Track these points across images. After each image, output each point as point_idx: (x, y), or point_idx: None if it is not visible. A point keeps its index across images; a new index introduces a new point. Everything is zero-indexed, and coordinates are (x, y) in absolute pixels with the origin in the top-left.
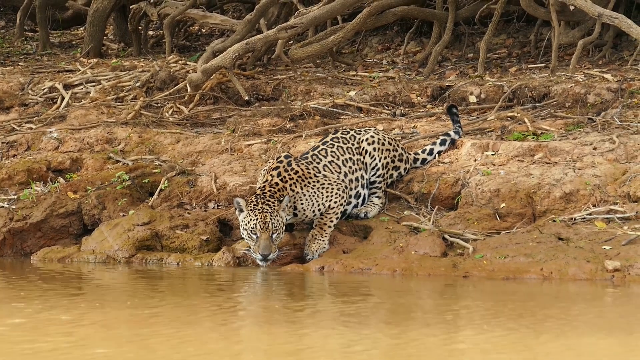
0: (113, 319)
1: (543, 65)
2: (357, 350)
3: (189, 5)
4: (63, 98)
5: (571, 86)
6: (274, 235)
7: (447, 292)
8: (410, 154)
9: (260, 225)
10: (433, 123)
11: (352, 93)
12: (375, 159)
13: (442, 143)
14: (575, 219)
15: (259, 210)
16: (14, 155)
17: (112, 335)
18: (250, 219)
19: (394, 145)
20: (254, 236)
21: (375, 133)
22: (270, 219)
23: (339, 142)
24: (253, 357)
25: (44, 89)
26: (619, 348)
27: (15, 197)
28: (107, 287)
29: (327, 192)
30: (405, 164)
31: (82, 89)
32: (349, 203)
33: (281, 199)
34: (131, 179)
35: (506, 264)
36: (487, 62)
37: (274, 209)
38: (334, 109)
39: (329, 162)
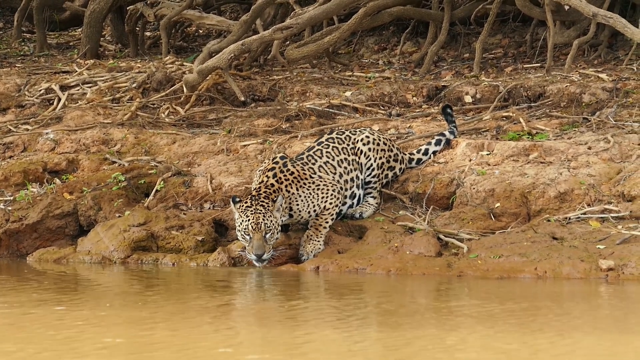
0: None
1: (539, 65)
2: (352, 350)
3: (186, 6)
4: (59, 99)
5: (566, 86)
6: (267, 236)
7: (442, 292)
8: (405, 154)
9: (252, 226)
10: (429, 123)
11: (348, 93)
12: (370, 159)
13: (437, 143)
14: (569, 219)
15: (251, 211)
16: (10, 157)
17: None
18: (243, 220)
19: (389, 146)
20: (247, 237)
21: (370, 133)
22: (264, 219)
23: (334, 142)
24: (248, 356)
25: (40, 90)
26: (613, 346)
27: (12, 198)
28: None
29: (322, 193)
30: (401, 164)
31: (78, 90)
32: (344, 203)
33: (275, 199)
34: (127, 179)
35: (500, 264)
36: (482, 62)
37: (268, 209)
38: (330, 110)
39: (324, 163)
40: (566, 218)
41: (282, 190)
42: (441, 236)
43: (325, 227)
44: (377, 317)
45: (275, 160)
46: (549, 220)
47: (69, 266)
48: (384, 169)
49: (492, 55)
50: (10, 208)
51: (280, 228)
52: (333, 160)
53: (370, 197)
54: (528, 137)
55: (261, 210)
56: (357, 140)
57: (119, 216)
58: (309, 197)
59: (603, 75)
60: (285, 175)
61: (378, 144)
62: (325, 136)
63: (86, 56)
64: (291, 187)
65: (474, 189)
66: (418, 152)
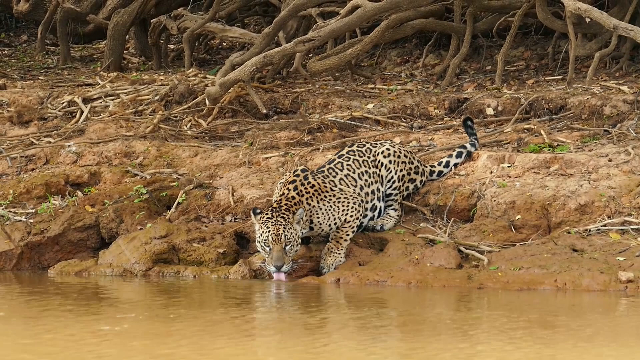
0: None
1: (560, 77)
2: None
3: (208, 19)
4: (82, 112)
5: (587, 98)
6: (287, 247)
7: (463, 304)
8: (426, 167)
9: (272, 237)
10: (450, 135)
11: (370, 106)
12: (390, 172)
13: (458, 155)
14: (589, 231)
15: (272, 222)
16: (33, 169)
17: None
18: (263, 231)
19: (409, 158)
20: (267, 248)
21: (390, 145)
22: (284, 231)
23: (354, 155)
24: None
25: (63, 103)
26: (632, 358)
27: (33, 210)
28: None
29: (343, 206)
30: (421, 176)
31: (101, 102)
32: (365, 216)
33: (296, 211)
34: (149, 192)
35: (520, 276)
36: (504, 74)
37: (288, 221)
38: (352, 122)
39: (345, 176)
40: (586, 230)
41: (302, 203)
42: (462, 248)
43: (346, 240)
44: (397, 329)
45: (296, 173)
46: (569, 232)
47: (91, 279)
48: (404, 181)
49: (514, 68)
50: (32, 221)
51: (300, 240)
52: (354, 172)
53: (391, 209)
54: (549, 150)
55: (281, 222)
56: (378, 153)
57: (141, 229)
58: (329, 209)
59: (624, 88)
60: (306, 188)
61: (399, 157)
62: (346, 149)
63: (109, 69)
64: (312, 200)
65: (494, 201)
66: (439, 164)
